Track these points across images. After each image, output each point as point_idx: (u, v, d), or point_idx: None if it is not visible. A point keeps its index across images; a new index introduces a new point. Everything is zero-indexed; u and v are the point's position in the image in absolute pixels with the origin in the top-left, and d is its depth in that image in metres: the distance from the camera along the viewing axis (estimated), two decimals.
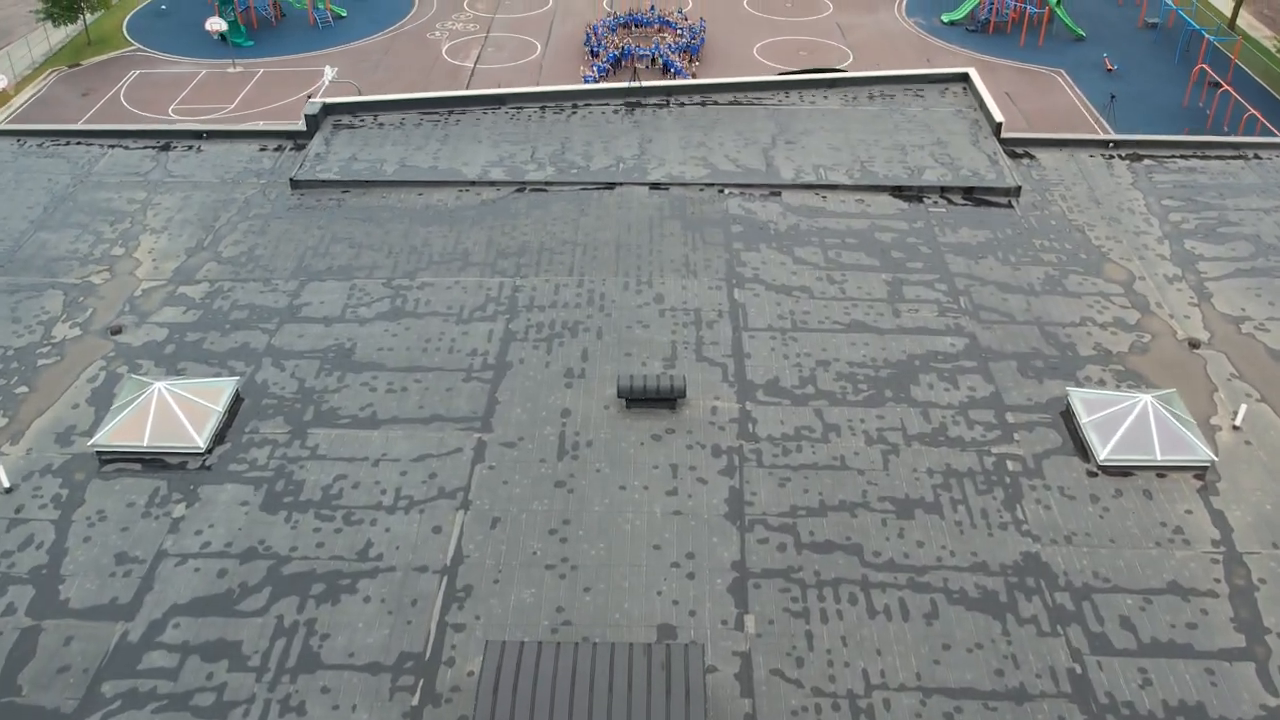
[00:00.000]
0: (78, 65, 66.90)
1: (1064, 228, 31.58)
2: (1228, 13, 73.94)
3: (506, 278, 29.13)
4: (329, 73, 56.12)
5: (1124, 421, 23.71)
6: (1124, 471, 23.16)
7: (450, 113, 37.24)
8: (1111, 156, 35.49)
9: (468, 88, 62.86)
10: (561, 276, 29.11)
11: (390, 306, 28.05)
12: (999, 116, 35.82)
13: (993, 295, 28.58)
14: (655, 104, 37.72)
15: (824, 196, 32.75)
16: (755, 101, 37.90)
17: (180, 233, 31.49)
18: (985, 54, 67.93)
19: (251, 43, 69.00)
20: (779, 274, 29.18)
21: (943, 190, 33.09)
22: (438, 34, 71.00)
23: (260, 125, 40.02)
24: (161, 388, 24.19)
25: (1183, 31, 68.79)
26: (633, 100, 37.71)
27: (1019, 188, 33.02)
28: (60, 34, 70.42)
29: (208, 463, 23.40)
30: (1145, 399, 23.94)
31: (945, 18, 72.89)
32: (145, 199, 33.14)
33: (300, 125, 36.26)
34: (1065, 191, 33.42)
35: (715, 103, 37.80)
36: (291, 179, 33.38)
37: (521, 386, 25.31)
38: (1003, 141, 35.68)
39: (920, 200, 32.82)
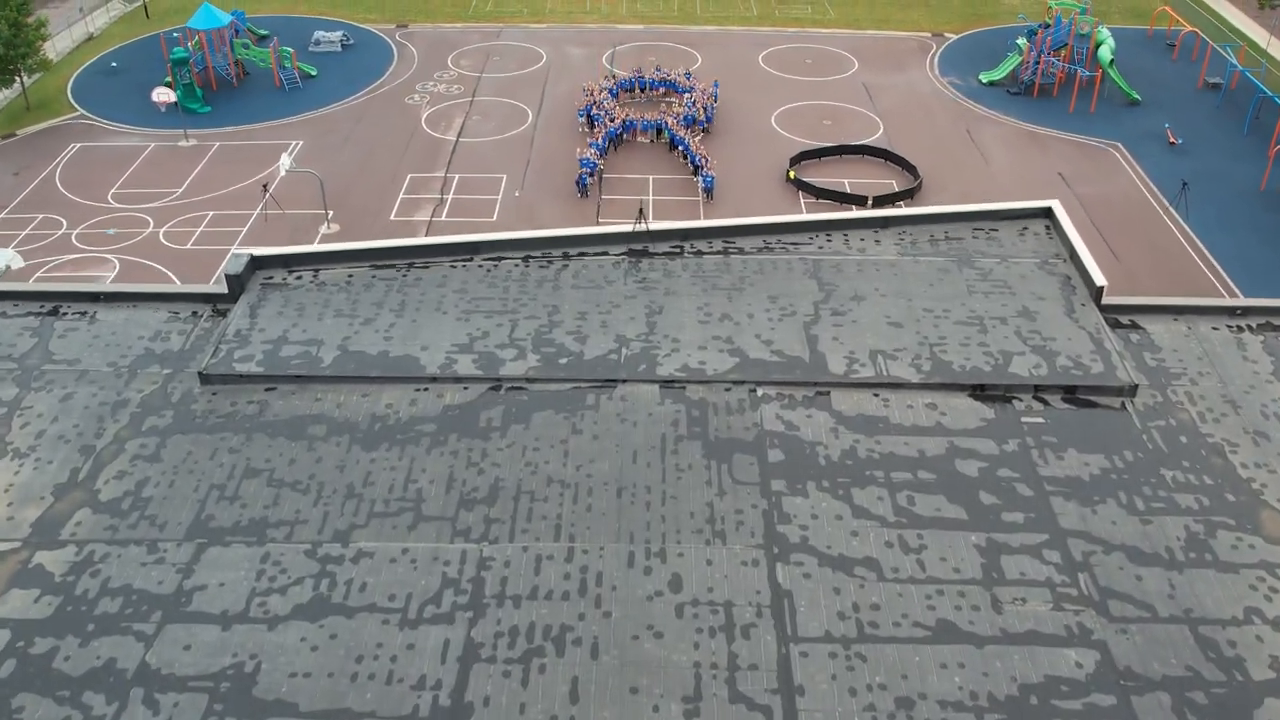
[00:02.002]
0: (12, 135, 59.63)
1: (1198, 447, 24.30)
2: None
3: (471, 542, 21.84)
4: (285, 161, 48.74)
5: None
6: None
7: (410, 265, 29.96)
8: (1240, 329, 28.19)
9: (449, 168, 55.49)
10: (545, 542, 21.82)
11: (312, 594, 20.76)
12: (1100, 278, 28.52)
13: (1122, 571, 21.29)
14: (666, 252, 30.42)
15: (886, 400, 25.46)
16: (790, 248, 30.60)
17: (51, 456, 24.18)
18: (1032, 122, 60.58)
19: (208, 108, 61.66)
20: (835, 536, 21.89)
21: (1037, 389, 25.83)
22: (417, 98, 63.62)
23: (171, 285, 32.82)
24: None
25: (1251, 96, 61.45)
26: (638, 247, 30.43)
27: (1135, 386, 25.77)
28: None
29: None
30: None
31: (984, 78, 65.55)
32: (14, 400, 25.82)
33: (221, 285, 28.95)
34: (1191, 387, 26.14)
35: (740, 250, 30.50)
36: (201, 373, 26.12)
37: None
38: (1103, 308, 28.43)
39: (1009, 402, 25.56)
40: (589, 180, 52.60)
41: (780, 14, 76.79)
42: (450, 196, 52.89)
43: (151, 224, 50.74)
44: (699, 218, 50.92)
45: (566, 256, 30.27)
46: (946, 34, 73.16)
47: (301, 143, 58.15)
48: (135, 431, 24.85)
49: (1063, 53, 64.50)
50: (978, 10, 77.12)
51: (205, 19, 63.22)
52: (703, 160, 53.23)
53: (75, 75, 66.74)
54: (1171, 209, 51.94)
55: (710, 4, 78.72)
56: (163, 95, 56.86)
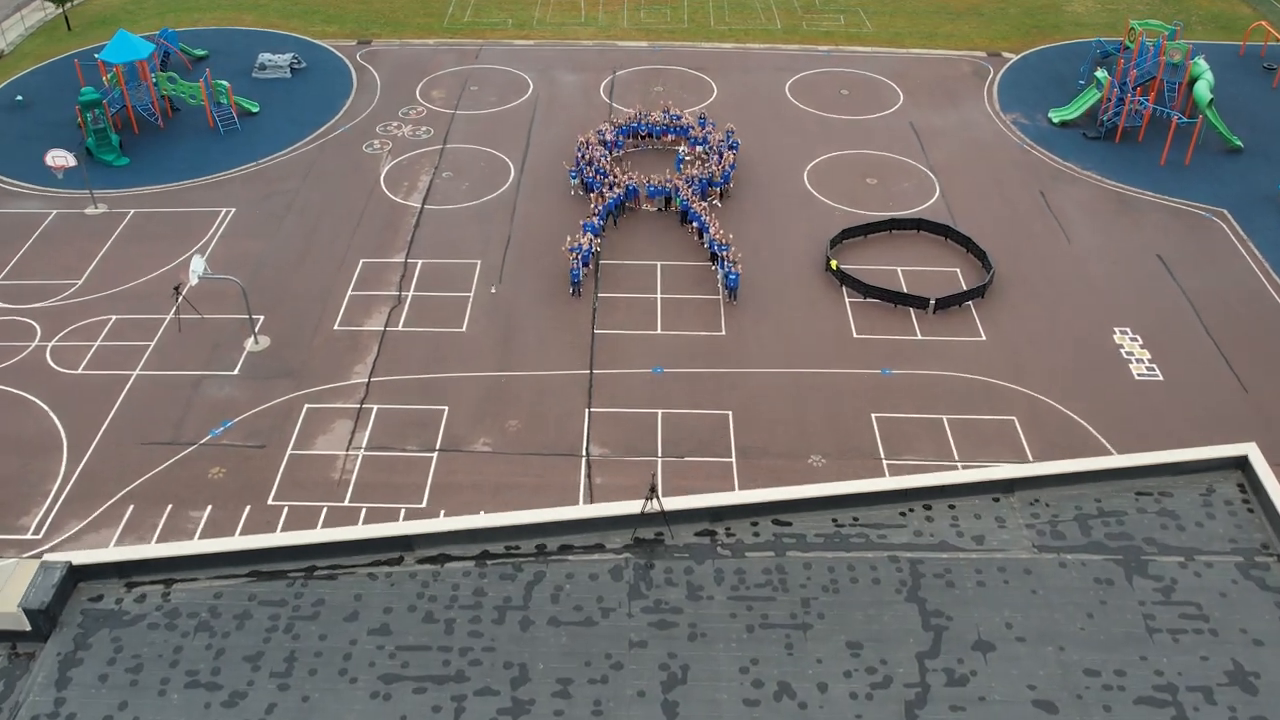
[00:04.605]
0: None
1: None
2: None
3: None
4: (198, 264, 38.52)
5: None
6: None
7: (310, 573, 20.22)
8: None
9: (410, 250, 45.33)
10: None
11: None
12: None
13: None
14: (687, 544, 20.67)
15: None
16: (871, 535, 20.84)
17: None
18: (1118, 180, 50.22)
19: (125, 160, 51.21)
20: None
21: None
22: (377, 145, 53.00)
23: None
24: None
25: None
26: (648, 536, 20.67)
27: None
28: None
29: None
30: None
31: (1055, 116, 54.90)
32: None
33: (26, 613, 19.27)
34: None
35: (798, 540, 20.72)
36: None
37: None
38: None
39: None
40: (583, 274, 42.50)
41: (808, 26, 65.58)
42: (410, 294, 42.78)
43: (39, 334, 40.76)
44: (719, 327, 40.86)
45: (543, 553, 20.52)
46: (1004, 53, 62.14)
47: (234, 210, 47.90)
48: None
49: (1149, 87, 53.94)
50: (1038, 21, 65.99)
51: (121, 50, 52.35)
52: (722, 247, 43.01)
53: None
54: None
55: (726, 13, 67.50)
56: (59, 159, 46.23)
